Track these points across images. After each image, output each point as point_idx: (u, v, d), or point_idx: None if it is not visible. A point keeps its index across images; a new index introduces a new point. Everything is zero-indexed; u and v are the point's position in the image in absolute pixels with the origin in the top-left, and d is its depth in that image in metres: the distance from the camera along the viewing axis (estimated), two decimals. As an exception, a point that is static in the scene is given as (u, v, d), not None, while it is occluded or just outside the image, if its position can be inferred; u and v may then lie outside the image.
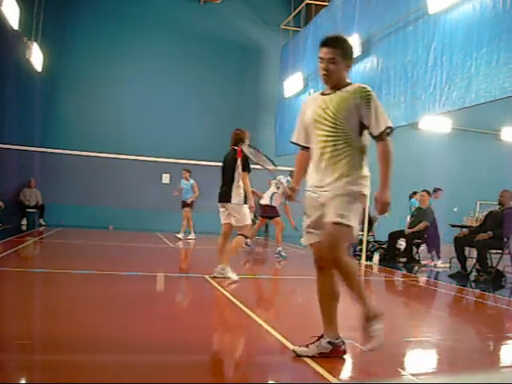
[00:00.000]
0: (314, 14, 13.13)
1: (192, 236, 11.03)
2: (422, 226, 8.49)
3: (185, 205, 10.90)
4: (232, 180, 5.53)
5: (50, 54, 12.28)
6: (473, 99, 6.45)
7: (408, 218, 9.56)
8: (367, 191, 2.91)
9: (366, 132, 2.85)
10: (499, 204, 7.39)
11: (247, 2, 15.31)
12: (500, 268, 7.00)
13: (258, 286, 5.92)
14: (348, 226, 2.74)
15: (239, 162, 5.54)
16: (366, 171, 2.92)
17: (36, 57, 11.31)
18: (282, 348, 3.11)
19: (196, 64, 14.48)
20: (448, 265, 8.43)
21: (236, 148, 5.63)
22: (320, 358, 2.87)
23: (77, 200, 12.61)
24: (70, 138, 12.64)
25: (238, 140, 5.67)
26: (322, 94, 2.92)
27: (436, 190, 9.73)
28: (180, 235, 10.85)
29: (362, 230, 9.12)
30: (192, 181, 11.01)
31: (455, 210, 11.91)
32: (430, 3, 7.26)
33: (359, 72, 9.55)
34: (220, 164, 5.92)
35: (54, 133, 12.74)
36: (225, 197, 5.55)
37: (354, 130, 2.82)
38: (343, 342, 2.99)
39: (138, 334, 3.43)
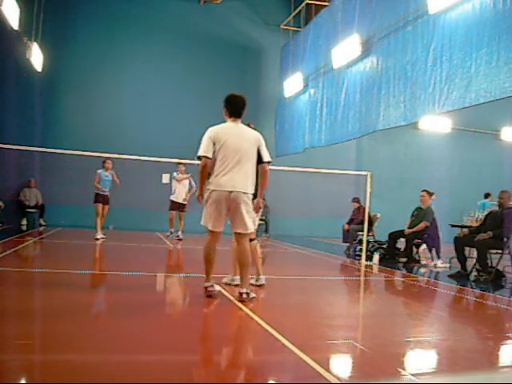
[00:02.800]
0: (314, 14, 13.13)
1: (179, 235, 10.75)
2: (421, 225, 8.49)
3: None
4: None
5: (49, 54, 12.29)
6: (473, 99, 6.45)
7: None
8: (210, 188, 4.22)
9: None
10: (499, 206, 7.40)
11: (247, 2, 15.31)
12: (500, 268, 7.00)
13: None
14: None
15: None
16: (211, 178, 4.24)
17: (36, 57, 11.32)
18: (282, 348, 3.11)
19: (196, 64, 14.49)
20: (448, 265, 8.44)
21: None
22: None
23: (77, 200, 12.60)
24: (70, 138, 12.63)
25: None
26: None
27: (430, 194, 9.73)
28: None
29: (362, 230, 9.13)
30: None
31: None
32: (429, 3, 7.26)
33: (359, 72, 9.55)
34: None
35: (54, 133, 12.75)
36: None
37: None
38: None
39: (137, 334, 3.43)
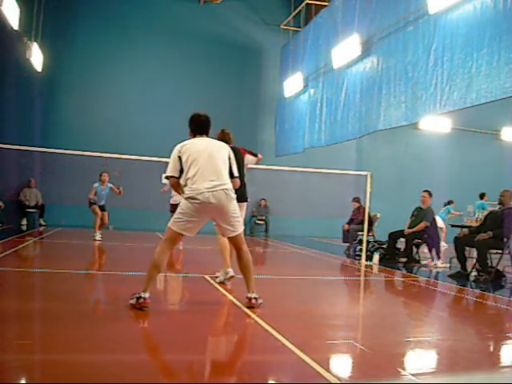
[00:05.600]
0: (314, 14, 13.12)
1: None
2: (421, 225, 8.49)
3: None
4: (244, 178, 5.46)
5: (50, 54, 12.29)
6: (474, 99, 6.45)
7: None
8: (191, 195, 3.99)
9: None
10: (499, 203, 7.39)
11: (247, 2, 15.31)
12: (500, 268, 7.00)
13: (258, 286, 5.91)
14: None
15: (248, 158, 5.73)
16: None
17: (36, 57, 11.31)
18: (282, 348, 3.10)
19: (196, 64, 14.49)
20: (448, 265, 8.44)
21: (237, 147, 5.56)
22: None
23: (77, 200, 12.59)
24: (69, 138, 12.62)
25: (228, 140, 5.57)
26: None
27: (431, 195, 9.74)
28: None
29: (362, 230, 9.13)
30: None
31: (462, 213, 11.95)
32: (430, 3, 7.26)
33: (359, 72, 9.55)
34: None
35: (54, 133, 12.75)
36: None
37: None
38: None
39: (137, 334, 3.43)
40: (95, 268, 6.81)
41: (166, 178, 4.19)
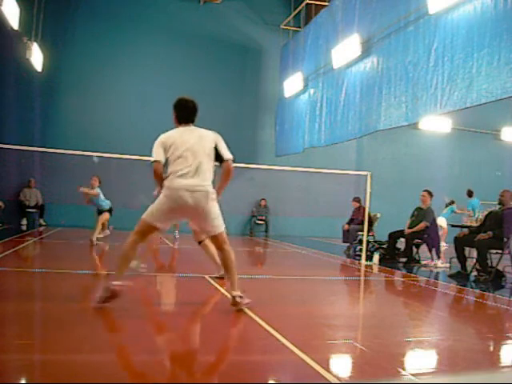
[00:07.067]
0: (314, 14, 13.11)
1: (176, 235, 10.54)
2: (421, 225, 8.49)
3: None
4: None
5: (50, 54, 12.29)
6: (474, 99, 6.44)
7: None
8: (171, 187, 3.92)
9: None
10: (499, 203, 7.39)
11: (247, 2, 15.31)
12: (500, 268, 7.00)
13: (258, 286, 5.92)
14: None
15: None
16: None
17: (36, 57, 11.31)
18: (282, 348, 3.10)
19: (196, 64, 14.48)
20: (448, 265, 8.44)
21: None
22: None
23: (77, 200, 12.59)
24: (70, 138, 12.62)
25: None
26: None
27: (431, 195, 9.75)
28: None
29: (362, 230, 9.13)
30: None
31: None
32: (430, 3, 7.26)
33: (359, 72, 9.55)
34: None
35: (54, 133, 12.74)
36: None
37: None
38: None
39: (137, 334, 3.43)
40: (95, 268, 6.80)
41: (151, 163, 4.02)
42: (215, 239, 4.10)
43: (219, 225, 4.05)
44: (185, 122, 4.14)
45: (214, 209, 4.00)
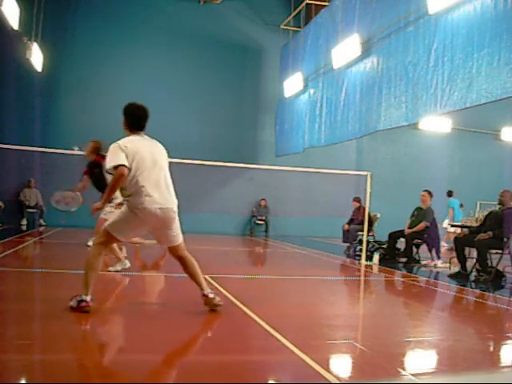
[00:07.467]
0: (314, 14, 13.11)
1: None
2: (422, 226, 8.49)
3: None
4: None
5: (50, 54, 12.28)
6: (474, 99, 6.44)
7: None
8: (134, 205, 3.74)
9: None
10: (499, 204, 7.39)
11: (247, 2, 15.31)
12: (500, 268, 7.00)
13: (258, 286, 5.93)
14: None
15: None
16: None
17: (36, 57, 11.31)
18: (282, 348, 3.10)
19: (196, 64, 14.48)
20: (448, 265, 8.44)
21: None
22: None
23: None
24: (70, 138, 12.62)
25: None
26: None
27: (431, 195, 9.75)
28: None
29: (362, 230, 9.13)
30: None
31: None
32: (430, 3, 7.26)
33: (359, 72, 9.55)
34: (222, 164, 5.92)
35: (54, 133, 12.74)
36: None
37: None
38: None
39: (137, 334, 3.43)
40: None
41: (109, 171, 3.71)
42: (175, 249, 4.02)
43: (180, 234, 4.02)
44: (137, 129, 3.91)
45: (177, 222, 3.96)
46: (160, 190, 3.76)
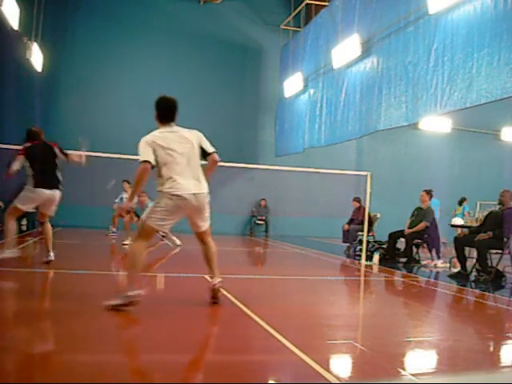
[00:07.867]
0: (314, 14, 13.12)
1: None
2: (421, 226, 8.49)
3: None
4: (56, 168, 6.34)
5: (50, 54, 12.28)
6: (474, 99, 6.45)
7: None
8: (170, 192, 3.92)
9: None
10: (499, 204, 7.39)
11: (247, 2, 15.31)
12: (500, 268, 7.00)
13: (258, 286, 5.93)
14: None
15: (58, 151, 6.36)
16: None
17: (36, 57, 11.31)
18: (282, 348, 3.11)
19: (196, 64, 14.48)
20: (448, 265, 8.44)
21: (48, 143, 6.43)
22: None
23: (77, 200, 12.59)
24: (70, 138, 12.60)
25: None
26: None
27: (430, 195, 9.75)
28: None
29: (362, 230, 9.13)
30: None
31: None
32: (430, 3, 7.26)
33: (359, 72, 9.55)
34: (222, 164, 5.91)
35: (54, 133, 12.71)
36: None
37: None
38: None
39: (137, 334, 3.43)
40: (95, 268, 6.79)
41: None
42: (203, 233, 4.28)
43: (208, 220, 4.27)
44: (167, 120, 4.13)
45: (208, 207, 4.20)
46: (190, 178, 3.96)
